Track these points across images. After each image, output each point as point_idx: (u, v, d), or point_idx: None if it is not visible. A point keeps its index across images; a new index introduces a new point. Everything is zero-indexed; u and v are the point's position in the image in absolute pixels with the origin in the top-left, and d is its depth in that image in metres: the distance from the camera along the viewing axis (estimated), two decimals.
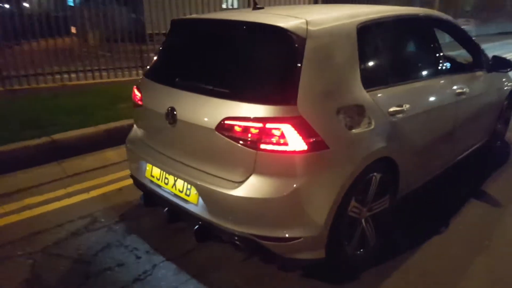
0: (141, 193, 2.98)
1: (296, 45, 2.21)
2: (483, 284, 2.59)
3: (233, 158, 2.26)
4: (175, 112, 2.46)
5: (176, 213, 2.65)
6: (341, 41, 2.41)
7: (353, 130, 2.30)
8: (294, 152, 2.08)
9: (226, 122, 2.21)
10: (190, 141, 2.47)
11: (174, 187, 2.58)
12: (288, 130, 2.06)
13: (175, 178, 2.56)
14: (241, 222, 2.25)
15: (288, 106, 2.10)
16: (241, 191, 2.20)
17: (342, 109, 2.26)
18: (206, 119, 2.31)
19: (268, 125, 2.09)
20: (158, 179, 2.70)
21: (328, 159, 2.18)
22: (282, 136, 2.07)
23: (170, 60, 2.86)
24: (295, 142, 2.06)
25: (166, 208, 2.67)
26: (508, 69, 3.85)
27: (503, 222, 3.31)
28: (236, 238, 2.29)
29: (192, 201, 2.46)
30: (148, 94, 2.77)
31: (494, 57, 3.88)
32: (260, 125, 2.10)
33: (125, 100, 5.65)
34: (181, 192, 2.53)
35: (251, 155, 2.16)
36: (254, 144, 2.13)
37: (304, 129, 2.07)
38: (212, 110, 2.29)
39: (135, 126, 3.08)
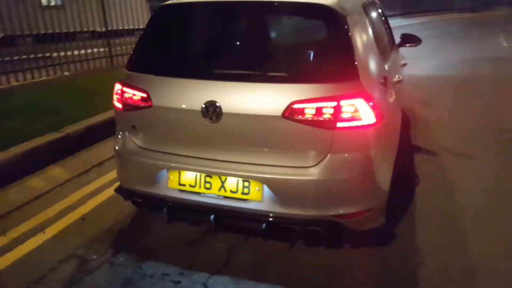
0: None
1: (342, 22, 2.22)
2: None
3: (304, 143, 2.15)
4: (217, 106, 2.18)
5: (225, 217, 2.36)
6: (362, 18, 2.52)
7: (390, 100, 2.47)
8: (367, 126, 2.11)
9: (295, 106, 2.08)
10: (243, 135, 2.22)
11: (222, 189, 2.29)
12: (361, 104, 2.08)
13: (224, 179, 2.28)
14: (319, 205, 2.18)
15: (354, 81, 2.12)
16: (320, 174, 2.12)
17: (382, 81, 2.39)
18: (267, 107, 2.13)
19: (343, 102, 2.06)
20: (193, 186, 2.35)
21: (387, 129, 2.29)
22: (356, 111, 2.08)
23: (189, 49, 2.48)
24: (367, 116, 2.10)
25: (212, 217, 2.33)
26: (418, 44, 4.51)
27: None
28: (314, 223, 2.21)
29: (254, 198, 2.24)
30: (164, 92, 2.35)
31: (403, 34, 4.53)
32: (334, 103, 2.06)
33: None
34: (235, 192, 2.27)
35: (327, 136, 2.10)
36: (330, 124, 2.08)
37: (371, 102, 2.12)
38: (273, 97, 2.13)
39: (126, 133, 2.57)
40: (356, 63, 2.15)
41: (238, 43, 2.43)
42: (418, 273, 2.40)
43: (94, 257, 2.64)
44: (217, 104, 2.18)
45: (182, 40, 2.56)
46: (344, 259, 2.56)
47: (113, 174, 3.85)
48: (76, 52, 7.66)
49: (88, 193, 3.52)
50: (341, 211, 2.18)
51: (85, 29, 7.80)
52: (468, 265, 2.46)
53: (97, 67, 8.03)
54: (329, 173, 2.12)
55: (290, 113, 2.09)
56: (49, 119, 4.65)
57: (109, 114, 4.92)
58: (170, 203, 2.44)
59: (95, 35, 8.07)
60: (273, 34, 2.36)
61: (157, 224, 3.00)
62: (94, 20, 8.15)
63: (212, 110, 2.19)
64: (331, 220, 2.19)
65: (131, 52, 2.63)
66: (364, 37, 2.40)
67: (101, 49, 8.27)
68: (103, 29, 8.26)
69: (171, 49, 2.54)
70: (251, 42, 2.38)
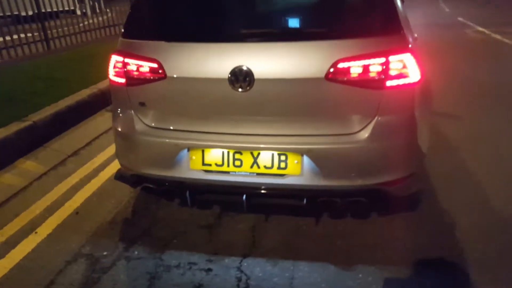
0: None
1: None
2: None
3: (349, 106, 1.99)
4: (248, 72, 1.95)
5: (259, 196, 2.17)
6: None
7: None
8: (414, 84, 1.96)
9: (340, 65, 1.90)
10: (278, 104, 2.00)
11: (254, 165, 2.09)
12: (409, 60, 1.92)
13: (256, 154, 2.08)
14: (365, 174, 2.06)
15: (399, 35, 1.97)
16: (368, 140, 1.98)
17: (413, 37, 2.27)
18: (307, 69, 1.93)
19: (392, 58, 1.90)
20: (220, 165, 2.13)
21: (424, 87, 2.19)
22: (404, 67, 1.92)
23: (207, 7, 2.16)
24: (414, 72, 1.95)
25: (244, 197, 2.13)
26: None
27: None
28: (357, 194, 2.10)
29: (292, 172, 2.07)
30: (180, 60, 2.06)
31: None
32: (382, 59, 1.90)
33: None
34: (270, 168, 2.09)
35: (375, 97, 1.95)
36: (378, 83, 1.93)
37: (416, 57, 1.99)
38: (314, 57, 1.93)
39: (131, 112, 2.25)
40: (398, 14, 2.00)
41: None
42: (454, 233, 2.40)
43: (105, 253, 2.35)
44: (247, 70, 1.95)
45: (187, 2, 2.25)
46: (377, 228, 2.49)
47: (93, 163, 3.52)
48: (7, 38, 6.85)
49: (72, 186, 3.15)
50: (387, 178, 2.07)
51: (8, 13, 7.02)
52: (495, 216, 2.50)
53: (33, 52, 7.27)
54: (377, 137, 1.98)
55: (334, 73, 1.91)
56: (7, 108, 4.10)
57: (76, 98, 4.47)
58: (193, 187, 2.20)
59: (20, 19, 7.28)
60: None
61: (164, 210, 2.75)
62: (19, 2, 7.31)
63: (241, 77, 1.96)
64: (376, 188, 2.08)
65: (128, 17, 2.28)
66: None
67: (34, 34, 7.50)
68: (34, 11, 7.50)
69: (184, 8, 2.22)
70: None
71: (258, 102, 2.02)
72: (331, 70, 1.91)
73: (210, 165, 2.14)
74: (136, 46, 2.16)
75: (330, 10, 2.08)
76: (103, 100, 4.72)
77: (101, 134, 4.16)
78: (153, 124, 2.21)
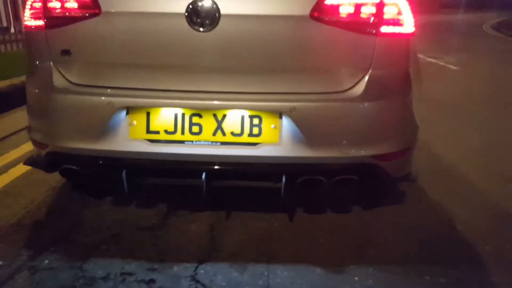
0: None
1: None
2: None
3: (339, 56, 1.58)
4: (212, 6, 1.47)
5: (223, 174, 1.63)
6: None
7: None
8: (408, 35, 1.63)
9: (328, 1, 1.50)
10: (249, 50, 1.52)
11: (218, 132, 1.57)
12: (403, 6, 1.59)
13: (221, 116, 1.56)
14: (359, 142, 1.62)
15: None
16: (362, 97, 1.57)
17: None
18: (287, 4, 1.49)
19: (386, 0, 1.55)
20: (172, 132, 1.58)
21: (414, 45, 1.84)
22: (400, 13, 1.58)
23: None
24: (409, 22, 1.61)
25: (204, 176, 1.58)
26: None
27: None
28: (349, 170, 1.64)
29: (268, 140, 1.57)
30: None
31: None
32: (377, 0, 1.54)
33: None
34: (238, 135, 1.57)
35: (368, 44, 1.56)
36: (372, 27, 1.55)
37: (410, 5, 1.65)
38: None
39: (50, 64, 1.65)
40: None
41: None
42: (454, 224, 1.99)
43: (0, 263, 1.65)
44: (212, 2, 1.46)
45: None
46: (364, 222, 2.02)
47: (4, 159, 2.79)
48: None
49: None
50: (383, 149, 1.65)
51: None
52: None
53: None
54: (373, 95, 1.58)
55: (321, 11, 1.50)
56: None
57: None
58: (132, 164, 1.61)
59: None
60: None
61: (90, 210, 2.10)
62: None
63: (203, 12, 1.47)
64: (371, 163, 1.64)
65: None
66: None
67: None
68: None
69: None
70: None
71: (224, 46, 1.53)
72: (317, 6, 1.49)
73: (157, 132, 1.58)
74: None
75: None
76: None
77: (19, 131, 3.39)
78: (79, 81, 1.63)
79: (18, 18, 9.34)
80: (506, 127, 3.74)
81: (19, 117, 3.71)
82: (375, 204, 2.17)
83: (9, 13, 8.52)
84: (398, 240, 1.89)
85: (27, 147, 2.97)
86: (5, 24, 8.65)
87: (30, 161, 1.89)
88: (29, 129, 1.84)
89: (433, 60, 8.43)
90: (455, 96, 5.05)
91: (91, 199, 2.20)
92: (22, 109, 3.90)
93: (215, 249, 1.79)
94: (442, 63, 8.00)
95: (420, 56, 9.11)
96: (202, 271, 1.64)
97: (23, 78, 4.19)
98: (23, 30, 1.78)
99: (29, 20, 1.67)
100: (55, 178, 2.41)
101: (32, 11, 1.66)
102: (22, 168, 2.61)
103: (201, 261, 1.70)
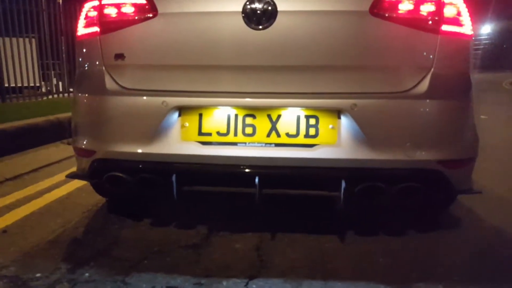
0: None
1: None
2: None
3: (400, 52, 1.54)
4: (269, 2, 1.47)
5: (278, 179, 1.54)
6: None
7: None
8: (468, 36, 1.59)
9: None
10: (306, 47, 1.50)
11: (273, 133, 1.50)
12: (462, 6, 1.57)
13: (276, 116, 1.50)
14: (424, 145, 1.53)
15: None
16: (426, 96, 1.49)
17: None
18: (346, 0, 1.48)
19: None
20: (225, 134, 1.52)
21: None
22: (459, 13, 1.56)
23: None
24: (467, 23, 1.58)
25: (257, 180, 1.49)
26: None
27: None
28: (412, 176, 1.52)
29: (325, 141, 1.49)
30: None
31: None
32: None
33: None
34: (294, 136, 1.50)
35: (430, 42, 1.52)
36: (433, 25, 1.51)
37: (467, 7, 1.62)
38: None
39: (102, 69, 1.65)
40: None
41: None
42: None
43: (38, 275, 1.55)
44: (269, 0, 1.46)
45: None
46: (423, 245, 1.86)
47: (37, 186, 2.75)
48: None
49: (5, 205, 2.34)
50: (448, 154, 1.54)
51: None
52: None
53: None
54: (436, 94, 1.51)
55: (380, 7, 1.47)
56: None
57: (28, 122, 3.77)
58: (182, 168, 1.55)
59: None
60: None
61: (129, 230, 2.01)
62: None
63: (260, 10, 1.46)
64: (436, 170, 1.53)
65: None
66: None
67: None
68: None
69: None
70: None
71: (281, 44, 1.50)
72: (377, 2, 1.47)
73: (209, 134, 1.52)
74: None
75: None
76: (61, 131, 4.04)
77: (52, 164, 3.40)
78: (132, 85, 1.62)
79: (49, 78, 9.86)
80: None
81: (52, 152, 3.75)
82: (431, 227, 2.01)
83: (40, 73, 8.91)
84: (466, 261, 1.71)
85: (60, 177, 2.96)
86: (37, 83, 9.12)
87: (73, 173, 1.85)
88: (73, 139, 1.81)
89: None
90: (489, 139, 4.94)
91: (128, 220, 2.11)
92: (56, 145, 3.98)
93: (265, 266, 1.65)
94: None
95: None
96: (254, 286, 1.49)
97: (58, 115, 4.30)
98: (76, 41, 1.80)
99: (84, 28, 1.70)
100: (90, 202, 2.36)
101: (86, 20, 1.69)
102: (57, 193, 2.59)
103: (252, 277, 1.56)
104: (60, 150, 3.80)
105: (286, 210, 2.08)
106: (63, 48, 9.74)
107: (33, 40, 8.48)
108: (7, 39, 6.71)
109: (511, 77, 25.28)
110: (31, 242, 1.85)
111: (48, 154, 3.61)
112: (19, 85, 7.62)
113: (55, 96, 8.79)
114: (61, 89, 9.84)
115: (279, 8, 1.47)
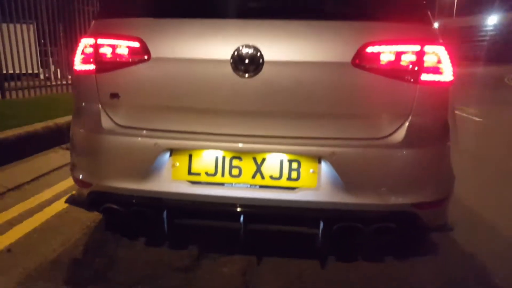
0: None
1: None
2: None
3: (379, 101, 1.63)
4: (256, 53, 1.57)
5: (262, 217, 1.66)
6: None
7: None
8: (447, 83, 1.67)
9: (369, 49, 1.57)
10: (291, 95, 1.60)
11: (257, 175, 1.62)
12: (443, 54, 1.64)
13: (260, 159, 1.62)
14: (398, 190, 1.64)
15: (430, 26, 1.70)
16: (403, 144, 1.60)
17: None
18: (330, 52, 1.58)
19: (427, 48, 1.61)
20: (212, 174, 1.64)
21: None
22: (439, 61, 1.63)
23: None
24: (448, 70, 1.66)
25: (242, 218, 1.62)
26: None
27: None
28: (387, 217, 1.64)
29: (306, 185, 1.61)
30: (170, 38, 1.64)
31: None
32: (417, 47, 1.60)
33: None
34: (277, 178, 1.62)
35: (409, 91, 1.61)
36: (413, 75, 1.60)
37: (449, 53, 1.71)
38: (340, 37, 1.59)
39: (98, 107, 1.75)
40: (425, 4, 1.75)
41: None
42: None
43: None
44: (256, 49, 1.56)
45: None
46: (400, 273, 1.99)
47: (38, 198, 2.87)
48: None
49: (7, 221, 2.47)
50: (422, 197, 1.66)
51: None
52: None
53: None
54: (413, 143, 1.61)
55: (362, 58, 1.57)
56: None
57: (27, 129, 3.87)
58: (173, 204, 1.67)
59: None
60: None
61: (125, 250, 2.14)
62: None
63: (248, 59, 1.56)
64: (409, 211, 1.65)
65: None
66: None
67: None
68: None
69: None
70: None
71: (267, 92, 1.60)
72: (359, 54, 1.56)
73: (198, 174, 1.64)
74: (112, 25, 1.75)
75: None
76: (59, 136, 4.14)
77: (52, 171, 3.51)
78: (126, 123, 1.72)
79: (47, 65, 9.87)
80: None
81: (51, 158, 3.86)
82: (409, 254, 2.14)
83: (38, 60, 8.92)
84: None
85: (60, 187, 3.09)
86: (35, 70, 9.14)
87: (71, 199, 1.96)
88: (72, 168, 1.92)
89: (458, 112, 8.44)
90: (479, 146, 5.02)
91: (124, 239, 2.24)
92: (54, 150, 4.08)
93: None
94: (465, 115, 8.00)
95: None
96: None
97: (56, 120, 4.39)
98: (73, 74, 1.90)
99: (80, 65, 1.79)
100: (89, 218, 2.48)
101: (83, 56, 1.78)
102: (56, 207, 2.71)
103: None
104: (59, 156, 3.91)
105: (271, 239, 2.20)
106: (61, 34, 9.73)
107: (31, 26, 8.51)
108: (5, 25, 6.72)
109: None
110: (34, 262, 1.99)
111: (48, 161, 3.72)
112: (18, 71, 7.63)
113: (53, 83, 8.69)
114: (59, 76, 9.94)
115: (265, 58, 1.57)
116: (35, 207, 2.70)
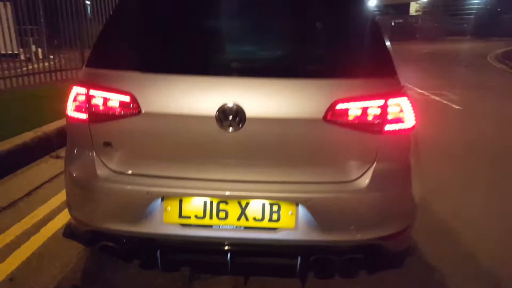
0: None
1: (369, 11, 1.99)
2: None
3: (347, 151, 1.80)
4: (239, 110, 1.70)
5: (246, 254, 1.84)
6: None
7: None
8: (409, 129, 1.84)
9: (339, 106, 1.72)
10: (271, 146, 1.75)
11: (242, 217, 1.78)
12: (405, 104, 1.81)
13: (245, 204, 1.77)
14: (366, 227, 1.82)
15: (393, 78, 1.85)
16: (368, 187, 1.77)
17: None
18: (304, 108, 1.72)
19: (390, 101, 1.77)
20: (201, 217, 1.79)
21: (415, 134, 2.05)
22: (401, 111, 1.80)
23: (193, 35, 1.90)
24: (410, 117, 1.83)
25: (229, 256, 1.79)
26: None
27: None
28: (356, 250, 1.84)
29: (285, 226, 1.77)
30: (159, 94, 1.75)
31: None
32: (381, 102, 1.76)
33: None
34: (260, 220, 1.78)
35: (373, 141, 1.78)
36: (377, 127, 1.77)
37: (411, 102, 1.87)
38: (312, 96, 1.74)
39: (92, 154, 1.86)
40: (391, 56, 1.89)
41: (260, 27, 1.97)
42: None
43: None
44: (238, 107, 1.69)
45: (181, 22, 1.94)
46: (370, 283, 2.20)
47: (34, 217, 2.99)
48: None
49: (7, 244, 2.60)
50: (386, 231, 1.85)
51: None
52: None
53: None
54: (377, 185, 1.78)
55: (333, 114, 1.72)
56: None
57: (17, 141, 3.94)
58: (166, 244, 1.82)
59: None
60: (295, 20, 1.97)
61: (121, 274, 2.30)
62: None
63: (232, 115, 1.70)
64: (375, 243, 1.84)
65: (96, 43, 1.95)
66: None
67: None
68: None
69: (166, 35, 1.95)
70: (276, 27, 1.96)
71: (249, 144, 1.75)
72: (330, 110, 1.72)
73: (189, 217, 1.79)
74: (104, 77, 1.84)
75: (326, 47, 1.95)
76: (48, 145, 4.22)
77: (44, 183, 3.62)
78: (119, 169, 1.85)
79: (28, 44, 9.66)
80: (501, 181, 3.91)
81: (42, 169, 3.94)
82: (378, 268, 2.34)
83: (17, 40, 8.69)
84: None
85: (54, 203, 3.21)
86: (15, 51, 8.93)
87: (68, 233, 2.09)
88: (69, 207, 2.04)
89: (437, 98, 8.66)
90: (451, 140, 5.22)
91: (119, 262, 2.39)
92: (44, 160, 4.16)
93: None
94: (445, 101, 8.22)
95: (424, 93, 9.38)
96: None
97: (45, 128, 4.45)
98: (66, 120, 2.00)
99: (73, 112, 1.89)
100: None
101: (76, 103, 1.87)
102: (52, 227, 2.84)
103: None
104: (50, 165, 4.01)
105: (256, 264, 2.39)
106: (41, 12, 9.47)
107: (8, 4, 8.29)
108: None
109: (499, 47, 25.55)
110: None
111: (39, 173, 3.82)
112: None
113: (35, 66, 8.51)
114: (41, 56, 9.70)
115: (247, 115, 1.70)
116: (31, 228, 2.82)
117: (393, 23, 41.51)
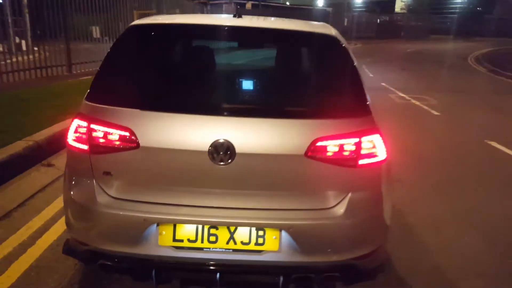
0: None
1: (345, 53, 2.18)
2: None
3: (324, 183, 2.00)
4: (230, 146, 1.89)
5: (234, 274, 2.03)
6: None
7: None
8: (381, 162, 2.05)
9: (319, 143, 1.92)
10: (257, 178, 1.95)
11: (231, 241, 1.96)
12: (378, 140, 2.02)
13: (233, 229, 1.96)
14: (341, 249, 2.03)
15: (368, 116, 2.06)
16: (343, 215, 1.98)
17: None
18: (288, 145, 1.92)
19: (364, 138, 1.98)
20: (194, 241, 1.96)
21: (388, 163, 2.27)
22: (374, 147, 2.01)
23: (190, 77, 2.08)
24: (382, 151, 2.04)
25: (218, 275, 1.98)
26: None
27: None
28: (332, 269, 2.05)
29: (270, 248, 1.96)
30: (156, 130, 1.92)
31: None
32: (356, 139, 1.97)
33: None
34: (247, 243, 1.96)
35: (348, 174, 1.99)
36: (352, 162, 1.98)
37: (383, 137, 2.08)
38: (295, 134, 1.94)
39: (92, 181, 2.01)
40: (367, 97, 2.10)
41: (249, 73, 2.17)
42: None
43: None
44: (229, 143, 1.88)
45: (179, 66, 2.15)
46: None
47: (29, 228, 3.11)
48: None
49: (5, 257, 2.73)
50: (359, 252, 2.06)
51: None
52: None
53: None
54: (351, 212, 2.00)
55: (313, 151, 1.92)
56: None
57: (10, 151, 4.03)
58: (160, 264, 2.00)
59: None
60: (281, 64, 2.17)
61: (117, 286, 2.46)
62: None
63: (223, 151, 1.88)
64: (349, 263, 2.05)
65: (95, 79, 2.11)
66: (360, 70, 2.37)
67: None
68: None
69: (163, 75, 2.12)
70: (263, 73, 2.15)
71: (238, 176, 1.94)
72: (311, 147, 1.92)
73: (182, 241, 1.96)
74: (104, 112, 2.00)
75: (308, 91, 2.14)
76: (39, 153, 4.32)
77: (37, 193, 3.74)
78: (118, 196, 2.01)
79: (7, 35, 9.33)
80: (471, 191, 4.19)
81: (34, 178, 4.04)
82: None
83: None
84: None
85: (48, 213, 3.33)
86: None
87: (67, 250, 2.22)
88: (68, 226, 2.19)
89: (417, 103, 8.96)
90: (427, 149, 5.51)
91: (115, 274, 2.55)
92: (36, 169, 4.25)
93: None
94: (425, 107, 8.52)
95: (406, 97, 9.68)
96: None
97: (35, 137, 4.53)
98: (67, 148, 2.14)
99: (74, 142, 2.04)
100: None
101: (77, 134, 2.03)
102: (48, 238, 2.97)
103: None
104: (42, 174, 4.12)
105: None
106: (24, 1, 9.31)
107: None
108: None
109: (480, 48, 26.14)
110: None
111: (31, 182, 3.92)
112: None
113: (19, 59, 8.33)
114: (24, 48, 9.43)
115: (237, 151, 1.88)
116: (27, 239, 2.95)
117: (378, 21, 41.99)
